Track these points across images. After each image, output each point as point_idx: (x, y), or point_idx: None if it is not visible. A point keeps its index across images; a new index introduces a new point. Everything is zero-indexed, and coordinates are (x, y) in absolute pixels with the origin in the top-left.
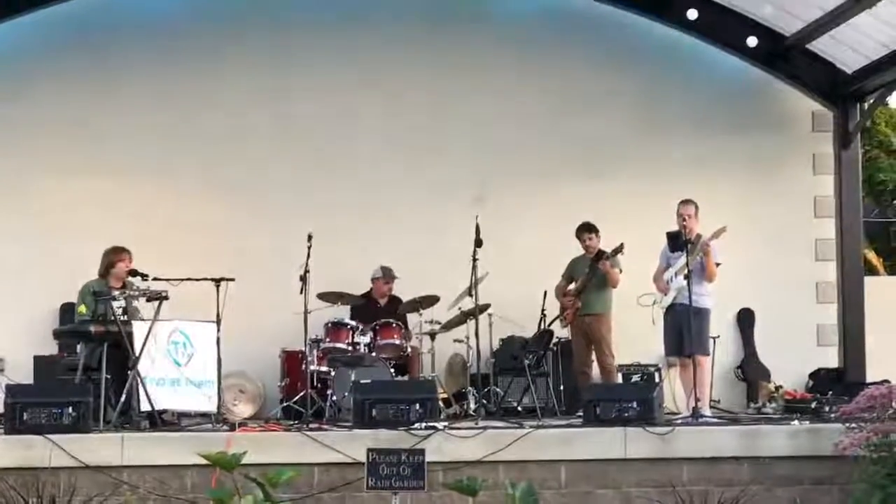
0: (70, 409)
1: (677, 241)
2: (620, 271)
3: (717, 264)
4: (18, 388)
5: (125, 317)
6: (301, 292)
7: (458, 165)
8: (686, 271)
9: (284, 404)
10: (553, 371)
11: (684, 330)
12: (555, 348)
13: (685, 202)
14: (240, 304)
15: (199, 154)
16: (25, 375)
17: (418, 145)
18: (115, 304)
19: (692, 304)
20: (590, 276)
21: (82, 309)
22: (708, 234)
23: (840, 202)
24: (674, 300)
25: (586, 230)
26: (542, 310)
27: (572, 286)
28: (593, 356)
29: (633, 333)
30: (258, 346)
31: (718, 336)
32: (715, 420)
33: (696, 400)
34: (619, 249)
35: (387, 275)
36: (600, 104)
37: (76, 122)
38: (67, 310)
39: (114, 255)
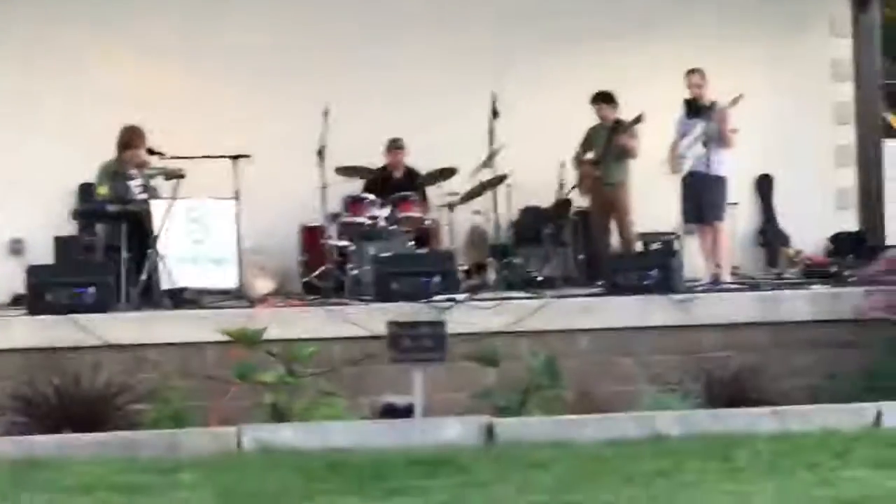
0: (92, 289)
1: (694, 109)
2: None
3: (734, 131)
4: (39, 268)
5: (144, 195)
6: (319, 167)
7: (477, 34)
8: (703, 138)
9: (304, 279)
10: (572, 241)
11: (702, 197)
12: (574, 218)
13: (692, 71)
14: (258, 181)
15: (219, 34)
16: (46, 256)
17: (436, 14)
18: (133, 183)
19: (710, 172)
20: (608, 145)
21: (101, 189)
22: (724, 101)
23: (858, 65)
24: (691, 168)
25: (601, 100)
26: (561, 180)
27: (590, 155)
28: (613, 225)
29: (653, 201)
30: (277, 222)
31: (738, 203)
32: (735, 286)
33: (716, 266)
34: (638, 119)
35: (393, 146)
36: None
37: (92, 3)
38: (86, 189)
39: (129, 135)
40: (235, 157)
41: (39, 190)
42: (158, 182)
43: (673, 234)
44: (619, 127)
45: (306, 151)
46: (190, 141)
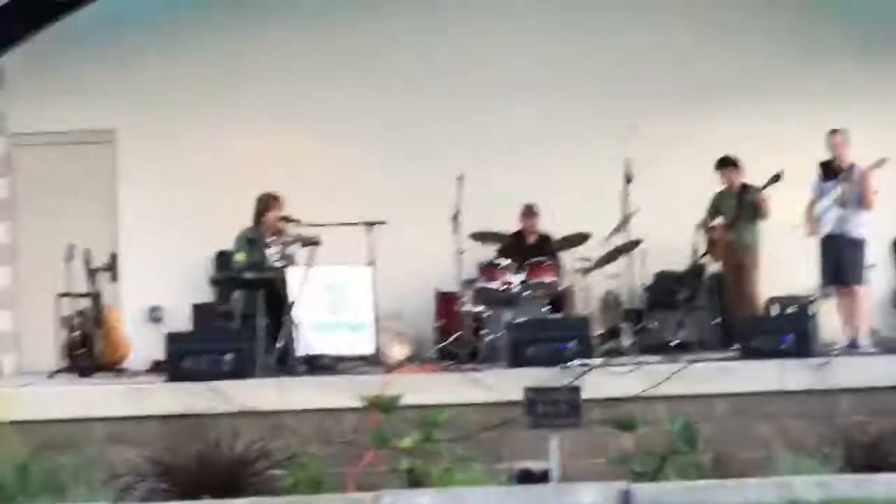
0: (230, 355)
1: (831, 171)
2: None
3: (875, 193)
4: (178, 336)
5: (280, 263)
6: (453, 233)
7: (608, 99)
8: (842, 201)
9: (440, 345)
10: (707, 305)
11: (841, 260)
12: (708, 282)
13: (834, 132)
14: (393, 248)
15: (351, 97)
16: (184, 323)
17: (570, 79)
18: (270, 250)
19: (848, 234)
20: (738, 208)
21: (239, 256)
22: (865, 164)
23: None
24: (830, 230)
25: (726, 164)
26: (694, 245)
27: (718, 220)
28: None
29: (788, 264)
30: (412, 288)
31: (875, 265)
32: (873, 349)
33: (854, 330)
34: (777, 177)
35: (527, 211)
36: (753, 31)
37: (228, 69)
38: (223, 257)
39: (266, 203)
40: (370, 224)
41: (178, 258)
42: (294, 249)
43: (809, 297)
44: (747, 191)
45: (440, 217)
46: (325, 208)
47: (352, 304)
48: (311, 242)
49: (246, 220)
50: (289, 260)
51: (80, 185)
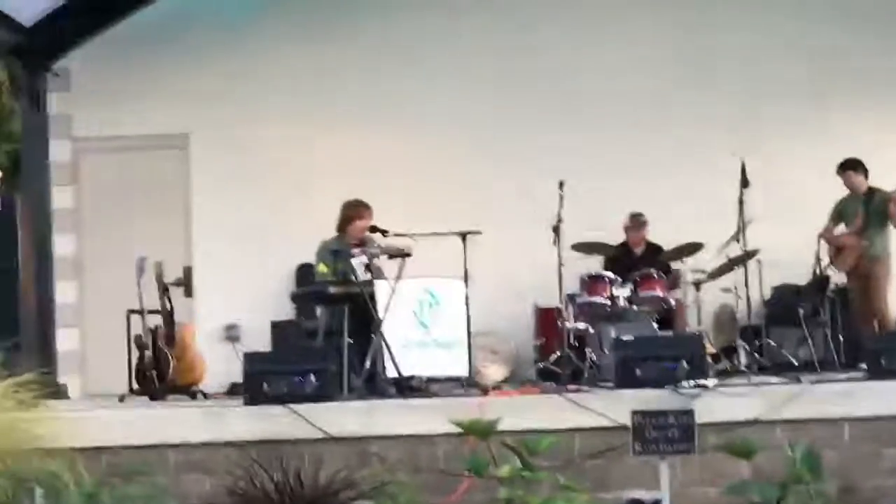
0: (312, 377)
1: None
2: None
3: None
4: (257, 356)
5: (367, 276)
6: (554, 244)
7: (721, 102)
8: None
9: (540, 365)
10: (831, 320)
11: None
12: (832, 296)
13: None
14: (488, 259)
15: (443, 100)
16: (263, 342)
17: (677, 81)
18: (355, 262)
19: None
20: (866, 215)
21: (322, 269)
22: None
23: None
24: None
25: (850, 167)
26: (817, 255)
27: (840, 228)
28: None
29: None
30: (509, 303)
31: None
32: None
33: None
34: None
35: (633, 220)
36: (879, 30)
37: (310, 70)
38: (304, 271)
39: (352, 211)
40: (464, 234)
41: (256, 272)
42: (382, 261)
43: None
44: (875, 195)
45: (539, 227)
46: (415, 218)
47: (444, 321)
48: (400, 254)
49: (329, 230)
50: (376, 273)
51: (150, 193)
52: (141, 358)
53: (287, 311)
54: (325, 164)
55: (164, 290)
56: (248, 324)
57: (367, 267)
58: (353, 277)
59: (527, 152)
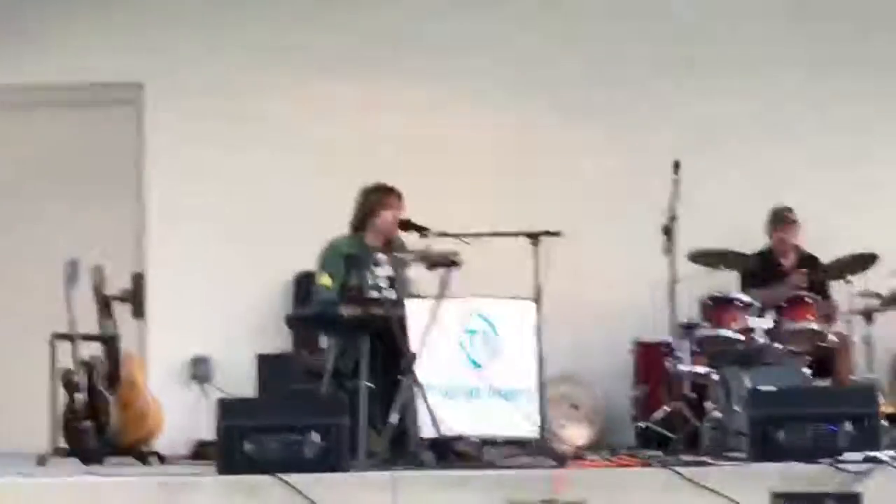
0: (315, 435)
1: None
2: None
3: None
4: (236, 403)
5: (394, 292)
6: (665, 252)
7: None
8: None
9: (640, 426)
10: None
11: None
12: None
13: None
14: (568, 272)
15: (509, 47)
16: (244, 384)
17: (842, 50)
18: (378, 271)
19: None
20: None
21: (325, 281)
22: None
23: None
24: None
25: None
26: None
27: None
28: None
29: None
30: (598, 336)
31: None
32: None
33: None
34: None
35: (779, 219)
36: None
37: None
38: (306, 283)
39: (375, 199)
40: (537, 236)
41: (235, 283)
42: (418, 272)
43: None
44: None
45: (644, 226)
46: (466, 211)
47: (505, 360)
48: (444, 262)
49: (341, 224)
50: (407, 289)
51: (84, 168)
52: (70, 403)
53: (280, 341)
54: (334, 133)
55: (104, 306)
56: (224, 357)
57: (392, 280)
58: (375, 294)
59: (627, 127)
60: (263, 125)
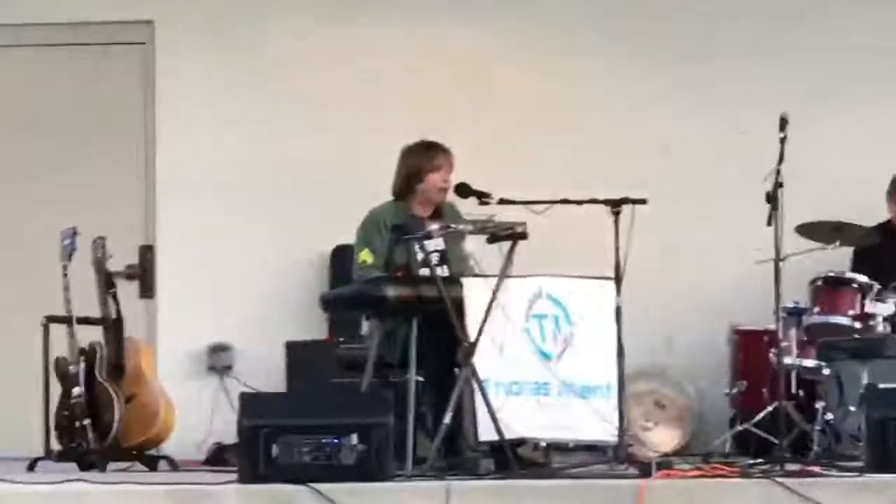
0: (354, 438)
1: None
2: None
3: None
4: (261, 400)
5: (446, 270)
6: (769, 223)
7: None
8: None
9: (738, 427)
10: None
11: None
12: None
13: None
14: (654, 246)
15: (567, 21)
16: (271, 376)
17: None
18: (428, 245)
19: None
20: None
21: (365, 256)
22: None
23: None
24: None
25: None
26: None
27: None
28: None
29: None
30: (688, 322)
31: None
32: None
33: None
34: None
35: None
36: None
37: None
38: (344, 258)
39: (420, 160)
40: (617, 205)
41: (259, 258)
42: (477, 246)
43: None
44: None
45: (743, 193)
46: (533, 175)
47: (580, 350)
48: (508, 234)
49: (384, 190)
50: (464, 264)
51: (82, 120)
52: (66, 398)
53: (313, 326)
54: (381, 79)
55: (106, 284)
56: (247, 345)
57: (445, 255)
58: (425, 272)
59: (720, 65)
60: (292, 74)
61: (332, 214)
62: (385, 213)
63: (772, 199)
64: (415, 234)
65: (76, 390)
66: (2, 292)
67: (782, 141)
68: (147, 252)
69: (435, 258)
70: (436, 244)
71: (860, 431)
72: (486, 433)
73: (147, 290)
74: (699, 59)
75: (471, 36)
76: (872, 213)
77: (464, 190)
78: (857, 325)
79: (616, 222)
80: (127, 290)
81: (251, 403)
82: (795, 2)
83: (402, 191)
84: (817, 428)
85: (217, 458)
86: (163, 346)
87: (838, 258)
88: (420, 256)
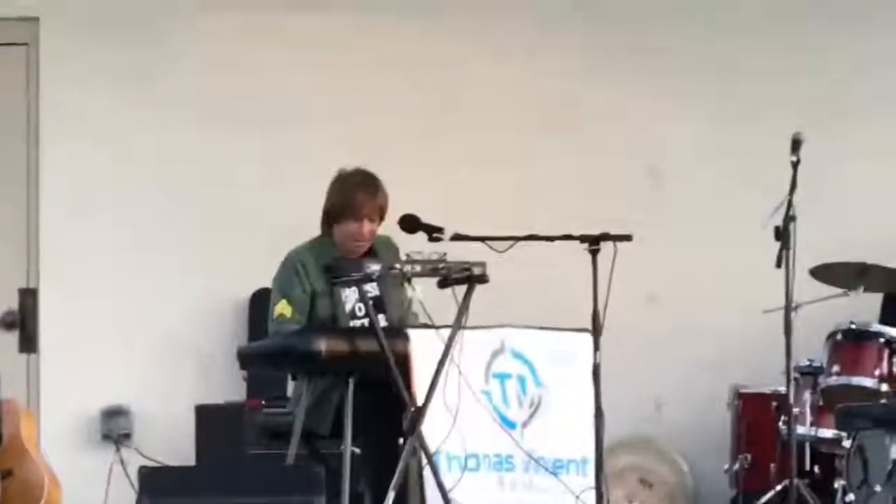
0: None
1: None
2: None
3: None
4: (165, 476)
5: (383, 320)
6: (778, 264)
7: None
8: None
9: None
10: None
11: None
12: None
13: None
14: (639, 290)
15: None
16: (179, 446)
17: None
18: (362, 291)
19: None
20: None
21: (283, 309)
22: None
23: None
24: None
25: None
26: None
27: None
28: None
29: None
30: (680, 380)
31: None
32: None
33: None
34: None
35: None
36: None
37: None
38: (266, 304)
39: (342, 199)
40: (596, 240)
41: (163, 301)
42: (423, 287)
43: None
44: None
45: (745, 228)
46: (497, 207)
47: (551, 416)
48: (465, 277)
49: (308, 222)
50: (408, 312)
51: None
52: None
53: (228, 386)
54: (310, 85)
55: None
56: (147, 408)
57: (381, 302)
58: (356, 321)
59: (724, 75)
60: (202, 77)
61: (253, 250)
62: (303, 256)
63: (782, 235)
64: (350, 277)
65: None
66: None
67: (795, 165)
68: (28, 296)
69: (355, 309)
70: (371, 288)
71: None
72: None
73: (28, 342)
74: (698, 70)
75: (421, 34)
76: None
77: (411, 223)
78: (884, 387)
79: (594, 263)
80: (3, 341)
81: (153, 480)
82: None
83: (326, 227)
84: None
85: None
86: (47, 410)
87: (862, 307)
88: (349, 306)
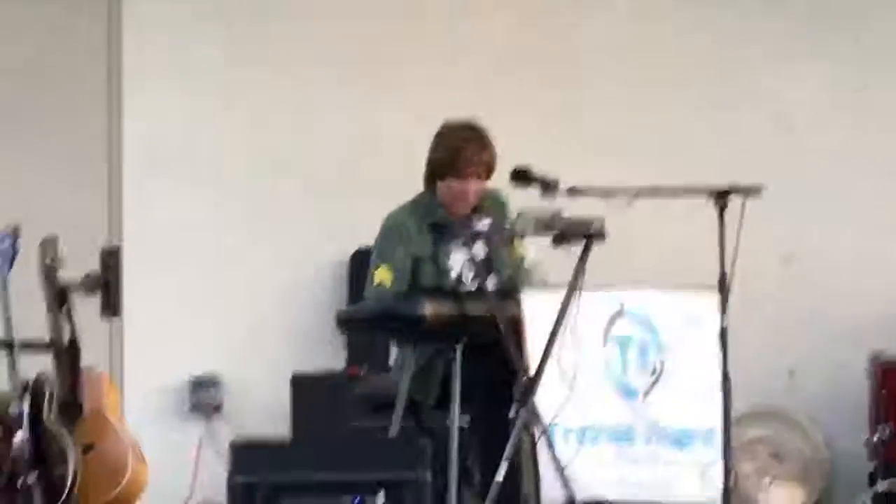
0: (381, 500)
1: None
2: None
3: None
4: (258, 451)
5: (492, 280)
6: None
7: None
8: None
9: (881, 485)
10: None
11: None
12: None
13: None
14: (771, 248)
15: None
16: (273, 418)
17: None
18: (468, 252)
19: None
20: None
21: (383, 275)
22: None
23: None
24: None
25: None
26: None
27: None
28: None
29: None
30: (815, 347)
31: None
32: None
33: None
34: None
35: None
36: None
37: None
38: (368, 265)
39: (445, 157)
40: (724, 194)
41: (256, 262)
42: (535, 251)
43: None
44: None
45: (883, 178)
46: (617, 158)
47: (675, 384)
48: (582, 234)
49: (410, 178)
50: (518, 274)
51: (25, 90)
52: (5, 446)
53: (326, 354)
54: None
55: (58, 297)
56: (240, 377)
57: (490, 263)
58: (463, 284)
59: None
60: (304, 20)
61: (352, 209)
62: (404, 218)
63: None
64: (460, 235)
65: (18, 436)
66: None
67: None
68: (111, 257)
69: (471, 269)
70: (478, 250)
71: None
72: (553, 493)
73: (111, 307)
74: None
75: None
76: None
77: (523, 176)
78: None
79: (721, 218)
80: (85, 307)
81: (245, 455)
82: None
83: (428, 183)
84: None
85: None
86: (131, 380)
87: None
88: (454, 273)
